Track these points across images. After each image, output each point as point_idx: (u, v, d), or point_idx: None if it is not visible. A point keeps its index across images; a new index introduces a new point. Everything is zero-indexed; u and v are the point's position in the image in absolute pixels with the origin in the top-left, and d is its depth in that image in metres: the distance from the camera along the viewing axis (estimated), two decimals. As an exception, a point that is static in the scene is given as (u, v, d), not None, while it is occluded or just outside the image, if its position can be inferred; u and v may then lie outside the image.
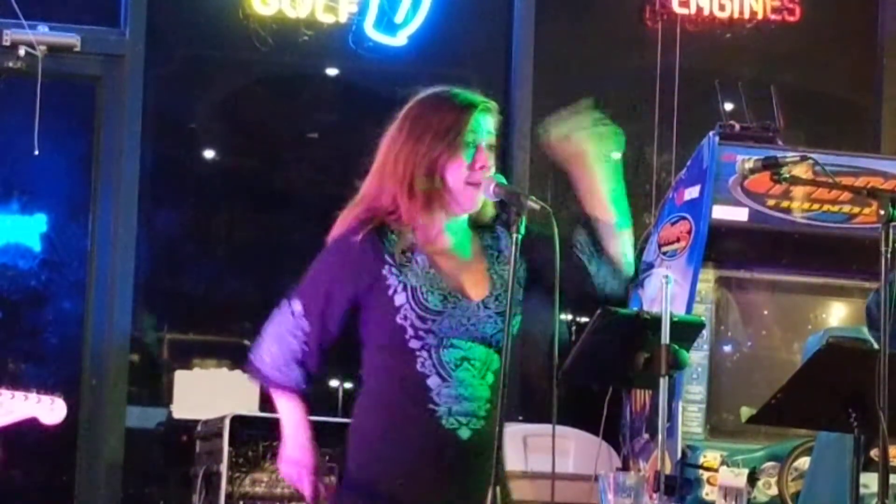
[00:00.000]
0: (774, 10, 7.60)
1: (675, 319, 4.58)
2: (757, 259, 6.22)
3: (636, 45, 7.61)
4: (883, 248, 3.67)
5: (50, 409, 4.15)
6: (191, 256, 7.43)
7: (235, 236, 7.46)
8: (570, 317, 6.90)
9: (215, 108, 7.50)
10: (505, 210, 3.60)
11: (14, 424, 4.15)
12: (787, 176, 3.96)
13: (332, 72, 7.52)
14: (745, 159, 4.05)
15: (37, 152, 6.66)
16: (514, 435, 5.95)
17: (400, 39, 7.24)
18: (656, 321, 4.54)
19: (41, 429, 4.21)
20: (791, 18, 7.62)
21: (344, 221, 3.67)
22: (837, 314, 6.31)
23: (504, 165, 3.72)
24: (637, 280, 6.12)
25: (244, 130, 7.51)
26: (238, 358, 7.13)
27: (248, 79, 7.46)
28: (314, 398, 3.72)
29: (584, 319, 5.79)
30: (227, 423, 5.98)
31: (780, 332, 6.31)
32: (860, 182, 5.81)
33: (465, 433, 3.56)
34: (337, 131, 7.44)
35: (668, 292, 4.81)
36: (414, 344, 3.56)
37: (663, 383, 4.67)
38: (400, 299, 3.56)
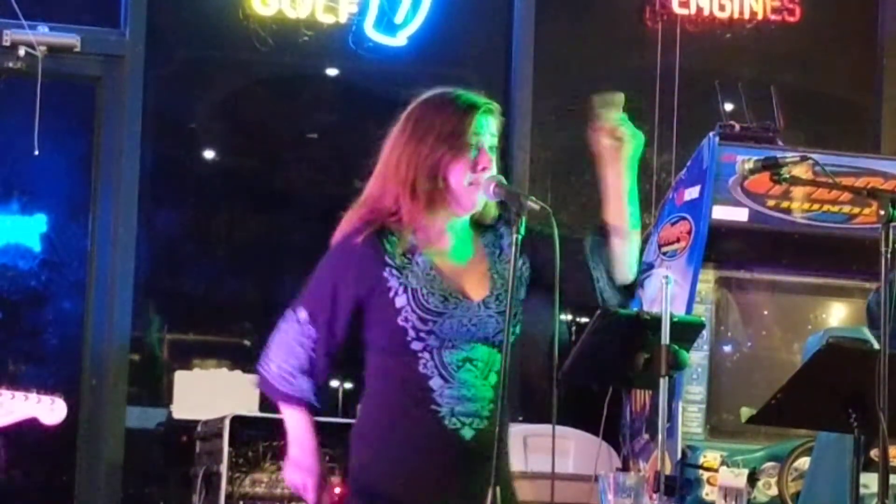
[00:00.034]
0: (774, 11, 7.60)
1: (675, 320, 4.58)
2: (757, 259, 6.22)
3: (636, 45, 7.61)
4: (883, 249, 3.67)
5: (50, 410, 4.15)
6: (191, 256, 7.43)
7: (235, 236, 7.46)
8: (570, 317, 6.90)
9: (215, 109, 7.50)
10: (507, 209, 3.61)
11: (14, 424, 4.15)
12: (787, 176, 3.96)
13: (332, 72, 7.52)
14: (745, 159, 4.05)
15: (37, 152, 6.66)
16: (515, 435, 5.95)
17: (400, 40, 7.24)
18: (656, 321, 4.54)
19: (41, 429, 4.22)
20: (791, 19, 7.63)
21: (346, 224, 3.68)
22: (837, 314, 6.31)
23: (504, 165, 3.71)
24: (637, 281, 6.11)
25: (244, 131, 7.52)
26: (238, 358, 7.14)
27: (248, 79, 7.46)
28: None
29: (584, 320, 5.78)
30: (227, 423, 5.98)
31: (780, 333, 6.31)
32: (860, 182, 5.81)
33: (467, 433, 3.57)
34: (337, 131, 7.44)
35: (668, 292, 4.81)
36: (416, 346, 3.57)
37: (663, 383, 4.67)
38: (401, 301, 3.57)
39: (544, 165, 7.53)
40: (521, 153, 7.27)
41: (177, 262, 7.40)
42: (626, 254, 3.64)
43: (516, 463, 5.52)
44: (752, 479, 5.54)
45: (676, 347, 4.52)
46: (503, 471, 3.63)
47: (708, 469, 5.68)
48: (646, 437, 6.09)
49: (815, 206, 6.06)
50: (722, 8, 7.55)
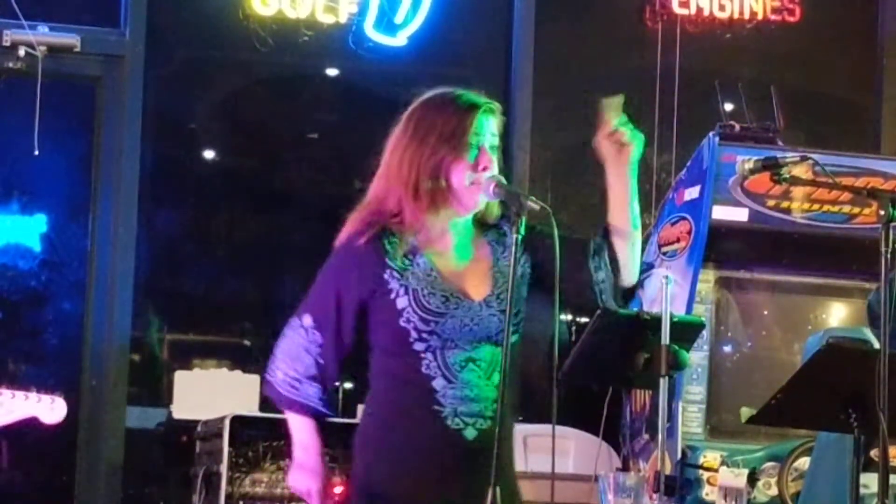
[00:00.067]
0: (774, 11, 7.60)
1: (675, 320, 4.58)
2: (757, 259, 6.22)
3: (636, 45, 7.61)
4: (883, 249, 3.67)
5: (50, 409, 4.15)
6: (191, 256, 7.43)
7: (235, 236, 7.46)
8: (569, 317, 6.90)
9: (215, 109, 7.50)
10: (509, 209, 3.61)
11: (14, 424, 4.15)
12: (787, 176, 3.96)
13: (332, 72, 7.52)
14: (745, 160, 4.05)
15: (37, 153, 6.66)
16: (515, 435, 5.95)
17: (400, 40, 7.24)
18: (656, 321, 4.53)
19: (41, 428, 4.22)
20: (791, 19, 7.62)
21: (349, 227, 3.69)
22: (837, 314, 6.31)
23: (504, 165, 3.72)
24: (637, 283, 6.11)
25: (244, 131, 7.52)
26: (238, 358, 7.14)
27: (248, 79, 7.46)
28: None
29: (584, 320, 5.78)
30: (227, 423, 5.98)
31: (780, 333, 6.31)
32: (860, 182, 5.81)
33: (470, 433, 3.57)
34: (337, 132, 7.44)
35: (668, 292, 4.81)
36: (418, 346, 3.57)
37: (663, 384, 4.67)
38: (402, 302, 3.57)
39: (544, 165, 7.53)
40: (521, 153, 7.27)
41: (177, 262, 7.40)
42: (629, 256, 3.65)
43: (516, 463, 5.53)
44: (752, 479, 5.54)
45: (676, 347, 4.52)
46: (507, 471, 3.64)
47: (708, 469, 5.69)
48: (646, 437, 6.09)
49: (815, 206, 6.06)
50: (722, 8, 7.54)
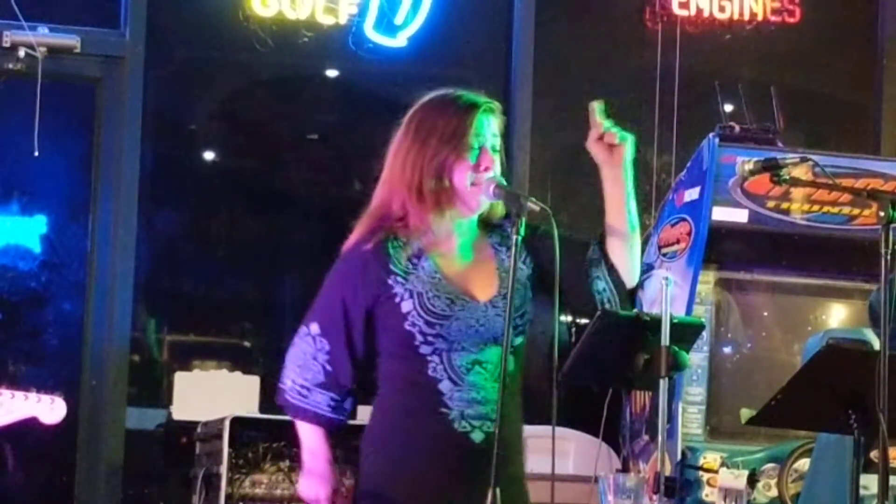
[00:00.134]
0: (774, 12, 7.60)
1: (675, 321, 4.58)
2: (757, 260, 6.22)
3: (636, 46, 7.60)
4: (883, 250, 3.67)
5: (50, 409, 4.15)
6: (191, 257, 7.43)
7: (235, 237, 7.46)
8: (569, 318, 6.89)
9: (215, 110, 7.50)
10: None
11: (14, 424, 4.15)
12: (787, 177, 3.95)
13: (331, 73, 7.52)
14: (745, 161, 4.05)
15: (37, 153, 6.66)
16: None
17: (400, 41, 7.24)
18: (656, 322, 4.53)
19: (41, 429, 4.22)
20: (791, 20, 7.62)
21: (354, 233, 3.69)
22: (837, 316, 6.31)
23: (504, 166, 3.72)
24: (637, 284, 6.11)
25: (244, 131, 7.52)
26: (238, 359, 7.14)
27: (247, 80, 7.46)
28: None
29: (584, 321, 5.78)
30: (226, 424, 5.98)
31: (780, 334, 6.31)
32: (860, 184, 5.80)
33: (477, 436, 3.58)
34: (337, 132, 7.45)
35: (667, 294, 4.81)
36: (424, 349, 3.58)
37: (663, 385, 4.66)
38: (407, 306, 3.58)
39: (544, 165, 7.52)
40: (521, 153, 7.27)
41: (177, 262, 7.40)
42: (627, 259, 3.65)
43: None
44: (752, 480, 5.54)
45: (676, 348, 4.52)
46: (514, 473, 3.64)
47: (708, 470, 5.68)
48: (646, 438, 6.09)
49: (815, 208, 6.05)
50: (722, 9, 7.54)
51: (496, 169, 3.64)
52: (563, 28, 7.60)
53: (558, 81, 7.53)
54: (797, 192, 5.98)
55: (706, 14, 7.53)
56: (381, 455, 3.63)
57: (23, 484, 6.95)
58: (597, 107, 3.58)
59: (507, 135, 3.78)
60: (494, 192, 3.60)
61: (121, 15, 7.01)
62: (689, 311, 5.77)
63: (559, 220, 3.55)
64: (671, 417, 5.62)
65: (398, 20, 7.22)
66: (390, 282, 3.60)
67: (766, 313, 6.34)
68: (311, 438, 3.70)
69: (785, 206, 6.05)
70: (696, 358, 5.82)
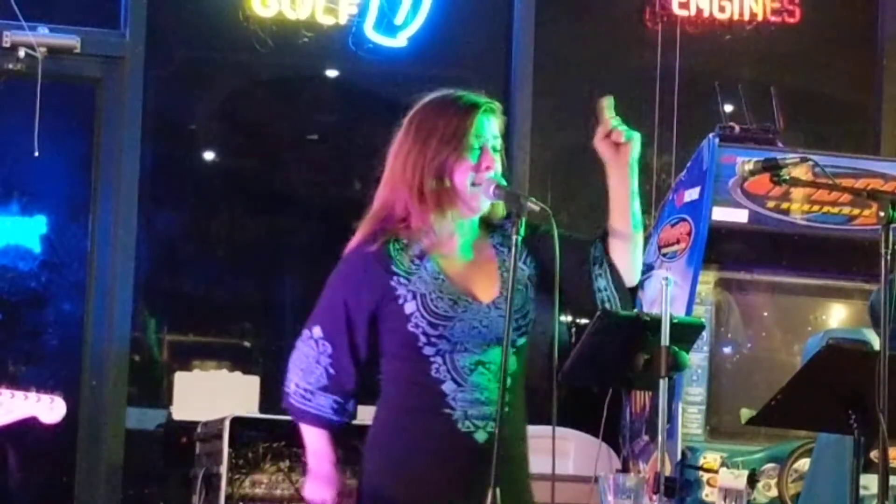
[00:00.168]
0: (774, 12, 7.60)
1: (675, 321, 4.58)
2: (757, 261, 6.22)
3: (636, 46, 7.61)
4: (883, 250, 3.67)
5: (49, 408, 4.15)
6: (191, 257, 7.43)
7: (235, 237, 7.46)
8: (569, 318, 6.90)
9: (215, 110, 7.50)
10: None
11: (14, 424, 4.16)
12: (787, 178, 3.95)
13: (331, 73, 7.52)
14: (745, 161, 4.05)
15: (37, 154, 6.66)
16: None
17: (400, 41, 7.24)
18: (656, 323, 4.53)
19: (41, 428, 4.22)
20: (791, 20, 7.62)
21: (357, 236, 3.69)
22: (837, 316, 6.31)
23: (504, 166, 3.73)
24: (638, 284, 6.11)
25: (244, 131, 7.51)
26: (238, 359, 7.14)
27: (247, 80, 7.46)
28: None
29: (584, 321, 5.78)
30: (226, 424, 5.98)
31: (780, 334, 6.31)
32: (860, 184, 5.80)
33: (481, 436, 3.58)
34: (337, 132, 7.44)
35: (667, 294, 4.81)
36: (428, 351, 3.58)
37: (663, 385, 4.67)
38: (410, 307, 3.58)
39: (544, 165, 7.53)
40: (521, 153, 7.27)
41: (177, 262, 7.40)
42: (629, 259, 3.65)
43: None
44: (752, 480, 5.54)
45: (676, 349, 4.52)
46: (518, 473, 3.64)
47: (708, 470, 5.68)
48: (646, 438, 6.09)
49: (815, 208, 6.06)
50: (722, 9, 7.54)
51: (497, 169, 3.65)
52: (563, 28, 7.60)
53: (558, 81, 7.53)
54: (797, 193, 5.98)
55: (706, 14, 7.53)
56: (385, 455, 3.63)
57: (23, 484, 6.95)
58: (607, 103, 3.58)
59: (507, 135, 3.78)
60: (494, 192, 3.60)
61: (121, 15, 7.01)
62: (689, 311, 5.77)
63: (559, 220, 3.55)
64: (671, 417, 5.62)
65: (398, 20, 7.22)
66: (393, 283, 3.61)
67: (766, 313, 6.34)
68: (315, 441, 3.70)
69: (785, 206, 6.05)
70: (696, 358, 5.82)
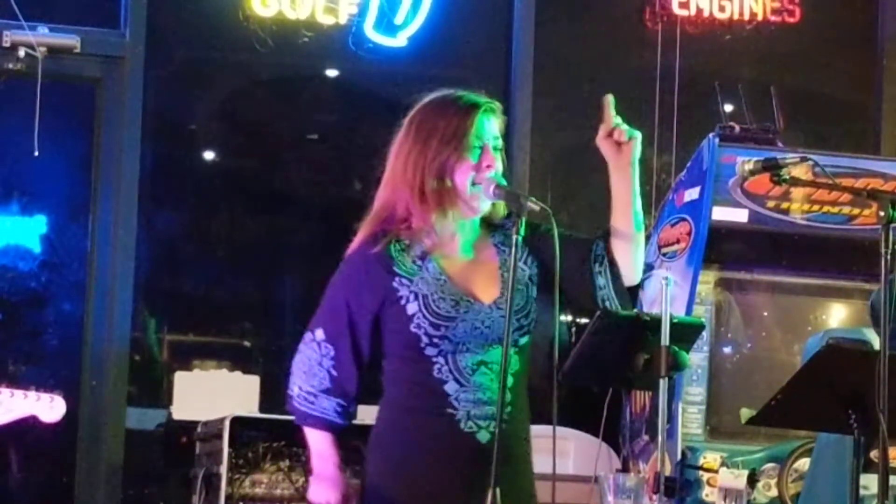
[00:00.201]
0: (774, 12, 7.59)
1: (675, 321, 4.58)
2: (757, 260, 6.22)
3: (636, 46, 7.60)
4: (883, 250, 3.67)
5: (49, 407, 4.16)
6: (191, 257, 7.43)
7: (235, 237, 7.46)
8: (569, 318, 6.90)
9: (215, 110, 7.50)
10: None
11: (14, 422, 4.16)
12: (787, 177, 3.95)
13: (332, 73, 7.52)
14: (745, 161, 4.05)
15: (37, 153, 6.66)
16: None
17: (400, 40, 7.23)
18: (656, 322, 4.53)
19: (41, 427, 4.22)
20: (791, 20, 7.62)
21: (358, 237, 3.69)
22: (837, 315, 6.31)
23: (505, 166, 3.73)
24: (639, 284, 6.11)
25: (244, 131, 7.51)
26: (238, 359, 7.14)
27: (247, 80, 7.46)
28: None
29: (584, 321, 5.78)
30: (226, 424, 5.98)
31: (780, 334, 6.31)
32: (860, 183, 5.80)
33: (484, 436, 3.58)
34: (337, 132, 7.44)
35: (667, 294, 4.81)
36: (430, 351, 3.58)
37: (663, 385, 4.66)
38: (412, 308, 3.59)
39: (544, 165, 7.52)
40: (521, 153, 7.27)
41: (177, 262, 7.40)
42: (631, 258, 3.65)
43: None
44: (752, 480, 5.53)
45: (676, 348, 4.52)
46: (520, 473, 3.64)
47: (708, 470, 5.68)
48: (646, 438, 6.09)
49: (815, 208, 6.06)
50: (722, 9, 7.54)
51: (498, 168, 3.65)
52: (563, 28, 7.60)
53: (558, 81, 7.53)
54: (797, 192, 5.98)
55: (706, 14, 7.53)
56: (387, 456, 3.64)
57: (23, 484, 6.95)
58: (611, 100, 3.57)
59: (507, 135, 3.78)
60: (494, 192, 3.60)
61: (121, 15, 7.01)
62: (689, 311, 5.77)
63: (559, 220, 3.55)
64: (671, 417, 5.62)
65: (398, 20, 7.22)
66: (395, 284, 3.61)
67: (766, 313, 6.34)
68: (319, 444, 3.71)
69: (785, 206, 6.05)
70: (696, 358, 5.82)
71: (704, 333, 5.75)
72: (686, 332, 4.58)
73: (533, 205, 3.48)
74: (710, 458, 5.73)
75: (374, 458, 3.67)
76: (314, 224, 7.37)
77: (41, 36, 6.78)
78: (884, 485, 3.72)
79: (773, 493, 5.66)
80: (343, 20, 7.18)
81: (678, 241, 6.00)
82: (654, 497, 5.21)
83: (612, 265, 3.64)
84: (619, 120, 3.58)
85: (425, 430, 3.59)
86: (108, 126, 6.97)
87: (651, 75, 7.39)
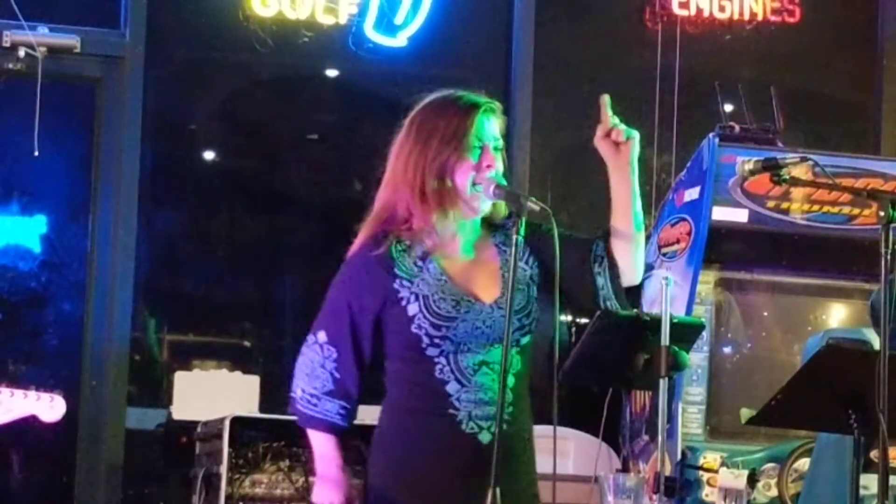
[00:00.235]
0: (774, 12, 7.59)
1: (675, 321, 4.58)
2: (757, 260, 6.22)
3: (636, 46, 7.61)
4: (883, 250, 3.67)
5: (49, 407, 4.16)
6: (191, 257, 7.43)
7: (235, 236, 7.46)
8: (569, 318, 6.90)
9: (215, 110, 7.50)
10: None
11: (14, 422, 4.16)
12: (787, 177, 3.95)
13: (332, 73, 7.52)
14: (745, 161, 4.05)
15: (37, 153, 6.66)
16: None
17: (400, 40, 7.23)
18: (656, 322, 4.53)
19: (41, 427, 4.22)
20: (791, 20, 7.62)
21: (359, 238, 3.69)
22: (837, 315, 6.31)
23: (506, 166, 3.73)
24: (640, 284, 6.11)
25: (244, 131, 7.51)
26: (238, 359, 7.14)
27: (247, 80, 7.46)
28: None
29: (584, 321, 5.78)
30: (226, 424, 5.98)
31: (780, 334, 6.31)
32: (860, 183, 5.81)
33: (485, 437, 3.58)
34: (337, 132, 7.44)
35: (667, 294, 4.81)
36: (431, 352, 3.59)
37: (663, 384, 4.67)
38: (413, 309, 3.59)
39: (544, 165, 7.52)
40: (521, 153, 7.27)
41: (177, 262, 7.40)
42: (631, 258, 3.65)
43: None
44: (752, 480, 5.53)
45: (676, 348, 4.52)
46: (526, 471, 3.64)
47: (708, 470, 5.68)
48: (646, 438, 6.09)
49: (815, 207, 6.06)
50: (722, 9, 7.54)
51: (498, 168, 3.65)
52: (563, 28, 7.60)
53: (558, 81, 7.53)
54: (797, 192, 5.98)
55: (706, 14, 7.53)
56: (389, 457, 3.64)
57: (23, 483, 6.96)
58: (608, 100, 3.57)
59: (507, 135, 3.79)
60: (494, 192, 3.60)
61: (121, 15, 7.01)
62: (689, 311, 5.77)
63: (559, 220, 3.55)
64: (671, 417, 5.62)
65: (398, 20, 7.22)
66: (396, 286, 3.61)
67: (766, 313, 6.34)
68: (322, 446, 3.71)
69: (785, 206, 6.05)
70: (696, 358, 5.82)
71: (704, 333, 5.75)
72: (686, 332, 4.58)
73: (533, 205, 3.48)
74: (710, 458, 5.73)
75: (377, 459, 3.68)
76: (314, 224, 7.37)
77: (41, 36, 6.78)
78: (884, 485, 3.72)
79: (773, 493, 5.66)
80: (343, 20, 7.18)
81: (678, 241, 6.00)
82: (654, 497, 5.21)
83: (612, 266, 3.64)
84: (616, 120, 3.58)
85: (427, 430, 3.60)
86: (108, 126, 6.97)
87: (651, 75, 7.39)
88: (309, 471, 5.94)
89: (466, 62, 7.52)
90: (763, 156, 4.26)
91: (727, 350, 6.25)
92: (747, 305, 6.27)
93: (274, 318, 7.46)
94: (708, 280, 6.09)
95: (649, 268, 6.07)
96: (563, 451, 6.06)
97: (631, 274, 3.67)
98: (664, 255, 6.07)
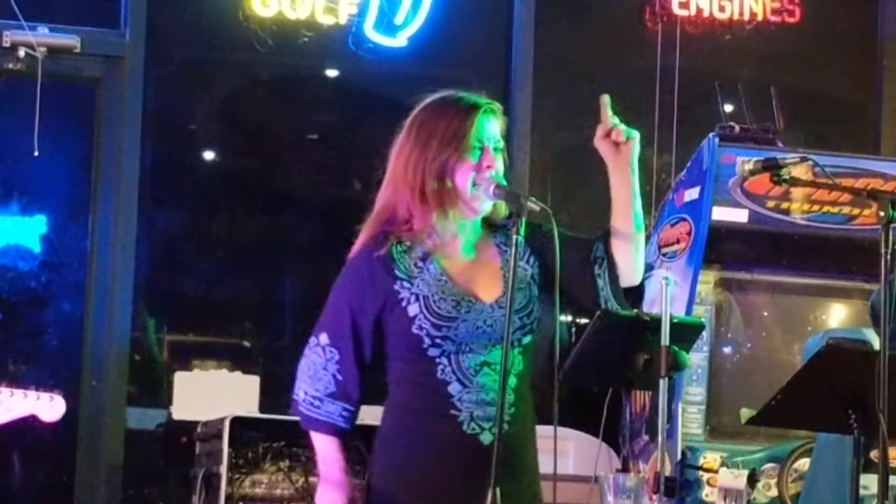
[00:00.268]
0: (774, 12, 7.60)
1: (675, 321, 4.58)
2: (757, 260, 6.22)
3: (636, 46, 7.61)
4: (883, 250, 3.67)
5: (49, 406, 4.16)
6: (191, 257, 7.43)
7: (235, 237, 7.46)
8: (570, 318, 6.90)
9: (215, 110, 7.50)
10: None
11: (14, 422, 4.16)
12: (787, 177, 3.95)
13: (331, 73, 7.52)
14: (745, 161, 4.05)
15: (37, 153, 6.66)
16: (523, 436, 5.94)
17: (400, 41, 7.24)
18: (656, 322, 4.54)
19: (41, 427, 4.22)
20: (791, 20, 7.62)
21: (360, 239, 3.69)
22: (837, 315, 6.31)
23: (506, 166, 3.73)
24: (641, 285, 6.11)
25: (244, 131, 7.51)
26: (238, 359, 7.14)
27: (247, 80, 7.46)
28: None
29: (584, 321, 5.78)
30: (226, 424, 5.98)
31: (780, 334, 6.31)
32: (860, 183, 5.81)
33: (487, 438, 3.58)
34: (337, 132, 7.44)
35: (667, 294, 4.81)
36: (433, 352, 3.59)
37: (663, 384, 4.67)
38: (413, 310, 3.59)
39: (544, 165, 7.53)
40: (521, 153, 7.27)
41: (177, 262, 7.40)
42: (631, 259, 3.64)
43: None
44: (752, 480, 5.54)
45: (676, 348, 4.52)
46: (527, 471, 3.64)
47: (708, 470, 5.68)
48: (646, 438, 6.09)
49: (815, 208, 6.06)
50: (722, 9, 7.54)
51: (499, 169, 3.65)
52: (563, 28, 7.60)
53: (558, 81, 7.54)
54: (797, 192, 5.99)
55: (706, 14, 7.53)
56: (390, 457, 3.64)
57: (23, 483, 6.96)
58: (608, 100, 3.57)
59: (507, 135, 3.78)
60: (494, 192, 3.60)
61: (121, 15, 7.01)
62: (689, 311, 5.77)
63: (559, 220, 3.55)
64: (671, 417, 5.62)
65: (398, 20, 7.22)
66: (396, 287, 3.61)
67: (766, 313, 6.34)
68: (325, 447, 3.71)
69: (785, 206, 6.05)
70: (696, 358, 5.82)
71: (704, 333, 5.75)
72: (686, 332, 4.59)
73: (533, 205, 3.48)
74: (710, 458, 5.73)
75: (379, 460, 3.68)
76: (314, 224, 7.37)
77: (41, 36, 6.79)
78: (884, 485, 3.72)
79: (773, 493, 5.66)
80: (343, 20, 7.18)
81: (678, 241, 6.01)
82: (654, 497, 5.21)
83: (612, 266, 3.64)
84: (616, 120, 3.57)
85: (428, 431, 3.60)
86: (108, 126, 6.97)
87: (651, 75, 7.39)
88: (309, 471, 5.94)
89: (466, 62, 7.52)
90: (763, 156, 4.26)
91: (727, 350, 6.25)
92: (747, 305, 6.27)
93: (274, 318, 7.46)
94: (708, 280, 6.09)
95: (649, 268, 6.06)
96: (563, 451, 6.06)
97: (631, 274, 3.67)
98: (664, 255, 6.07)
